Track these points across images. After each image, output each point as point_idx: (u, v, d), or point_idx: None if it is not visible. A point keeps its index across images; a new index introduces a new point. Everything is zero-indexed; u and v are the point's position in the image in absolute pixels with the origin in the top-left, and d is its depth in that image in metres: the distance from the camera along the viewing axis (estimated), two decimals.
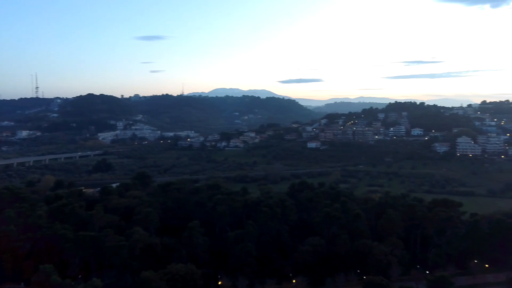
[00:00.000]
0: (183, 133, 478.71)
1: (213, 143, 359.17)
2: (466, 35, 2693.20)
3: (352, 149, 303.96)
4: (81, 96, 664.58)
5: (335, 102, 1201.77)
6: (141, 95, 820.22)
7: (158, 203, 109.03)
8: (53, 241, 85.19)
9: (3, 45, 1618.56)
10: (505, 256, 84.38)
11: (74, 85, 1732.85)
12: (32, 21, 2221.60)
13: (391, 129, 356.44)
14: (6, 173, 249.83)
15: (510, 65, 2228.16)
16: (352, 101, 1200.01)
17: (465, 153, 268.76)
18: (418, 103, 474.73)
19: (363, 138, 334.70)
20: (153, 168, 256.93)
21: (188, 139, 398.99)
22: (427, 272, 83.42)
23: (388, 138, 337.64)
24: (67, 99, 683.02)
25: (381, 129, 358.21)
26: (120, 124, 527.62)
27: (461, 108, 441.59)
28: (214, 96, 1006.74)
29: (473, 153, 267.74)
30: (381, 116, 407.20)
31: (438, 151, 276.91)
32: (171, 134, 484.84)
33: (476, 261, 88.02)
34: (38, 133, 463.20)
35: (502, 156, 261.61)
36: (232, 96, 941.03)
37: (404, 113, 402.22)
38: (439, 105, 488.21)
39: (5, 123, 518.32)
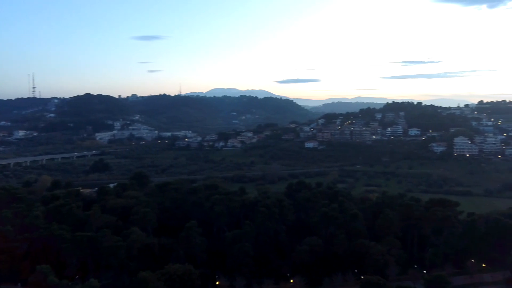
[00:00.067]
0: (180, 133, 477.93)
1: (210, 143, 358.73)
2: (463, 35, 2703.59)
3: (349, 149, 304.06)
4: (78, 96, 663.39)
5: (333, 102, 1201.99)
6: (138, 95, 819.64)
7: (155, 203, 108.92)
8: (50, 242, 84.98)
9: (0, 45, 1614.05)
10: (502, 255, 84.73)
11: (71, 85, 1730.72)
12: (29, 21, 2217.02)
13: (389, 129, 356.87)
14: (3, 173, 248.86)
15: (507, 65, 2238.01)
16: (349, 101, 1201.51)
17: (462, 153, 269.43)
18: (415, 103, 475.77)
19: (361, 138, 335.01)
20: (150, 168, 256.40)
21: (186, 139, 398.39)
22: (425, 271, 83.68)
23: (386, 138, 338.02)
24: (64, 99, 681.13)
25: (379, 129, 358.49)
26: (117, 124, 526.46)
27: (458, 108, 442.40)
28: (212, 96, 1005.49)
29: (470, 153, 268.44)
30: (378, 116, 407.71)
31: (435, 151, 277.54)
32: (168, 134, 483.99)
33: (473, 260, 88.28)
34: (35, 133, 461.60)
35: (499, 156, 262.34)
36: (229, 96, 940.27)
37: (402, 113, 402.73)
38: (436, 105, 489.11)
39: (2, 123, 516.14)
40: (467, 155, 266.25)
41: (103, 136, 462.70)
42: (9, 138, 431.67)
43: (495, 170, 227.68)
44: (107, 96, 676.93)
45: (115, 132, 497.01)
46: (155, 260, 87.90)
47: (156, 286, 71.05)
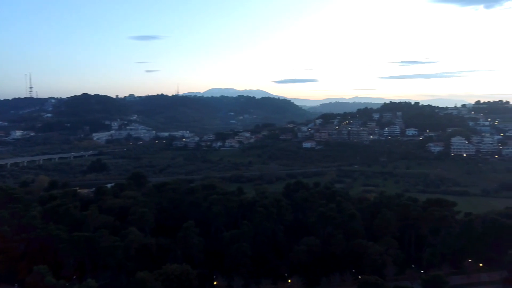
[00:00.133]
0: (178, 133, 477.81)
1: (208, 143, 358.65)
2: (460, 35, 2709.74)
3: (347, 149, 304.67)
4: (75, 96, 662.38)
5: (330, 102, 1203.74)
6: (136, 95, 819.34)
7: (153, 203, 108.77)
8: (47, 242, 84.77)
9: None
10: (499, 255, 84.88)
11: (68, 85, 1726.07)
12: (26, 21, 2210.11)
13: (386, 129, 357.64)
14: (0, 173, 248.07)
15: (504, 65, 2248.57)
16: (347, 101, 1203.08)
17: (459, 153, 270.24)
18: (412, 103, 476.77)
19: (358, 138, 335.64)
20: (148, 168, 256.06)
21: (183, 139, 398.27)
22: (422, 271, 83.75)
23: (383, 138, 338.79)
24: (61, 99, 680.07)
25: (376, 129, 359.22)
26: (114, 124, 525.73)
27: (455, 108, 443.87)
28: (209, 96, 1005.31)
29: (467, 153, 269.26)
30: (376, 116, 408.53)
31: (433, 151, 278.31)
32: (166, 134, 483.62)
33: (470, 260, 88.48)
34: (32, 133, 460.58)
35: (496, 156, 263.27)
36: (227, 96, 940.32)
37: (399, 113, 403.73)
38: (433, 105, 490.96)
39: None
40: (464, 155, 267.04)
41: (100, 136, 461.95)
42: (6, 138, 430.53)
43: (492, 170, 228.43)
44: (105, 96, 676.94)
45: (112, 132, 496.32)
46: (152, 260, 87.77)
47: (154, 286, 70.94)
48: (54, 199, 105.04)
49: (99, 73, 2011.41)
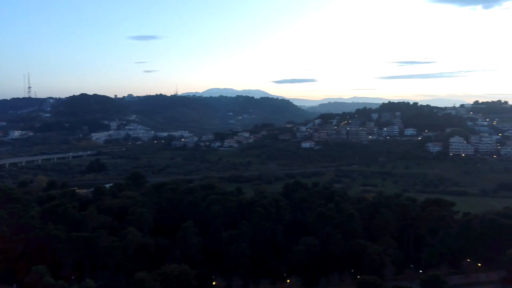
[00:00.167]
0: (177, 133, 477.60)
1: (207, 143, 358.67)
2: (458, 35, 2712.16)
3: (346, 149, 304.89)
4: (74, 96, 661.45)
5: (329, 102, 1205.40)
6: (134, 95, 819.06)
7: (152, 203, 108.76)
8: (46, 242, 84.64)
9: None
10: (497, 255, 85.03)
11: (67, 85, 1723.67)
12: (24, 21, 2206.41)
13: (385, 129, 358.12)
14: None
15: (502, 65, 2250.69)
16: (346, 101, 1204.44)
17: (457, 153, 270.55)
18: (411, 103, 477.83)
19: (357, 138, 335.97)
20: (147, 168, 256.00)
21: (182, 139, 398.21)
22: (421, 271, 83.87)
23: (382, 138, 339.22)
24: (60, 99, 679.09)
25: (375, 129, 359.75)
26: (113, 124, 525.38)
27: (453, 108, 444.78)
28: (208, 96, 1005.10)
29: (465, 153, 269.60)
30: (374, 116, 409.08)
31: (431, 151, 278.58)
32: (165, 134, 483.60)
33: (469, 260, 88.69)
34: (31, 133, 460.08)
35: (494, 156, 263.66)
36: (226, 96, 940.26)
37: (398, 113, 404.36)
38: (432, 105, 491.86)
39: None
40: (463, 155, 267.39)
41: (99, 136, 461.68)
42: (5, 138, 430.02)
43: (491, 170, 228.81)
44: (103, 96, 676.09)
45: (111, 132, 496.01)
46: (151, 260, 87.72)
47: (153, 286, 70.89)
48: (53, 199, 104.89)
49: (97, 73, 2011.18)
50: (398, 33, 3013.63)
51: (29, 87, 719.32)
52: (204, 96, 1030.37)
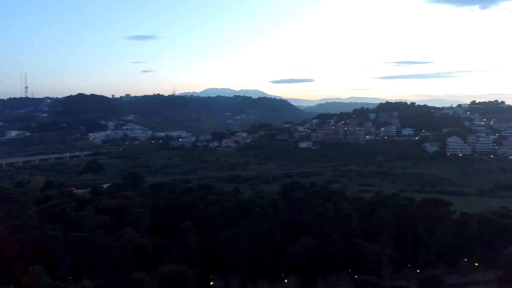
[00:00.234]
0: (174, 133, 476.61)
1: (204, 143, 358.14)
2: (455, 36, 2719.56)
3: (343, 149, 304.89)
4: (71, 96, 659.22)
5: (327, 102, 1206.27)
6: (132, 95, 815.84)
7: (149, 203, 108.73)
8: (43, 242, 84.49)
9: None
10: (494, 254, 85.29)
11: (64, 84, 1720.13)
12: (21, 21, 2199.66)
13: (382, 129, 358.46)
14: None
15: (499, 65, 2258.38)
16: (343, 101, 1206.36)
17: (455, 152, 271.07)
18: (408, 103, 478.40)
19: (354, 138, 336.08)
20: (144, 168, 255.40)
21: (180, 139, 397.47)
22: (418, 271, 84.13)
23: (379, 138, 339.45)
24: (57, 99, 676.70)
25: (372, 129, 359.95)
26: (111, 124, 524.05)
27: (451, 108, 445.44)
28: (206, 96, 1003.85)
29: (463, 153, 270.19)
30: (372, 116, 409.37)
31: (429, 150, 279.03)
32: (162, 134, 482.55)
33: (466, 259, 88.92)
34: (28, 133, 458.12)
35: (491, 156, 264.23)
36: (223, 96, 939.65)
37: (395, 113, 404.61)
38: (429, 105, 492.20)
39: None
40: (460, 155, 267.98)
41: (96, 136, 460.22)
42: (1, 138, 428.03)
43: (488, 169, 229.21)
44: (101, 96, 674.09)
45: (108, 132, 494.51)
46: (149, 260, 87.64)
47: (150, 286, 70.84)
48: (50, 199, 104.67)
49: (95, 73, 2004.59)
50: (396, 33, 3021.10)
51: (26, 87, 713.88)
52: (201, 96, 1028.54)
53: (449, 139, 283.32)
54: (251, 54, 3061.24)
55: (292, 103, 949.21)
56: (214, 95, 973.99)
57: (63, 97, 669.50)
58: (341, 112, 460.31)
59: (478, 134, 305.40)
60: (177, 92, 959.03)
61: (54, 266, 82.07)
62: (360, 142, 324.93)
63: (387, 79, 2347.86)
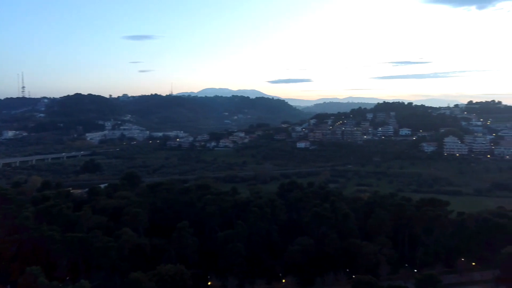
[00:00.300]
0: (172, 133, 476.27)
1: (202, 143, 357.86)
2: (453, 36, 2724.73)
3: (341, 149, 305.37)
4: (68, 95, 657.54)
5: (324, 102, 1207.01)
6: (129, 95, 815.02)
7: (147, 203, 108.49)
8: (40, 243, 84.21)
9: None
10: (491, 254, 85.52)
11: (61, 84, 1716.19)
12: (19, 20, 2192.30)
13: (380, 129, 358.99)
14: None
15: (496, 65, 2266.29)
16: (341, 101, 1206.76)
17: (452, 152, 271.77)
18: (406, 103, 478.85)
19: (352, 138, 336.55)
20: (142, 168, 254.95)
21: (177, 139, 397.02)
22: (415, 270, 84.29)
23: (377, 138, 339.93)
24: (54, 99, 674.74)
25: (370, 129, 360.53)
26: (108, 124, 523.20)
27: (448, 108, 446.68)
28: (204, 96, 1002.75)
29: (460, 153, 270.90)
30: (369, 116, 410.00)
31: (426, 150, 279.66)
32: (160, 134, 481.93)
33: (463, 259, 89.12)
34: (25, 133, 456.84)
35: (488, 156, 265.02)
36: (221, 96, 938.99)
37: (392, 113, 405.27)
38: (426, 105, 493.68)
39: None
40: (457, 154, 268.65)
41: (93, 136, 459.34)
42: None
43: (485, 169, 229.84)
44: (98, 96, 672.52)
45: (106, 132, 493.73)
46: (146, 260, 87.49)
47: (148, 286, 70.73)
48: (47, 199, 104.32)
49: (92, 73, 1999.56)
50: (393, 33, 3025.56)
51: (23, 87, 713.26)
52: (199, 96, 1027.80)
53: (446, 139, 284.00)
54: (249, 54, 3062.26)
55: (290, 103, 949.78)
56: (212, 95, 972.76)
57: (60, 97, 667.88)
58: (338, 112, 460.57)
59: (475, 134, 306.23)
60: (175, 92, 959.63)
61: (51, 266, 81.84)
62: (357, 142, 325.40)
63: (384, 79, 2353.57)
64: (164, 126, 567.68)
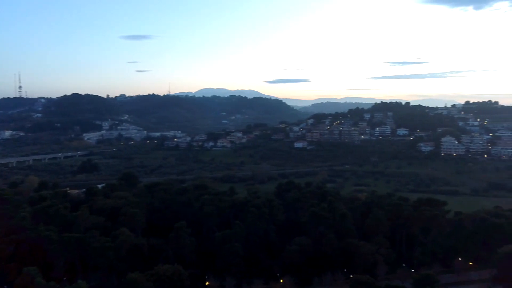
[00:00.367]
0: (169, 133, 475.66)
1: (200, 143, 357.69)
2: (450, 36, 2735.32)
3: (338, 149, 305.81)
4: (65, 95, 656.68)
5: (322, 102, 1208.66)
6: (127, 95, 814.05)
7: (144, 203, 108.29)
8: (37, 243, 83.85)
9: None
10: (488, 253, 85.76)
11: (58, 84, 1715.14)
12: (16, 20, 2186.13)
13: (377, 129, 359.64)
14: None
15: (493, 66, 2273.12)
16: (338, 101, 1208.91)
17: (449, 152, 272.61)
18: (403, 103, 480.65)
19: (349, 138, 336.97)
20: (139, 168, 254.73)
21: (175, 139, 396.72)
22: (413, 270, 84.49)
23: (374, 138, 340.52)
24: (51, 98, 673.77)
25: (367, 129, 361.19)
26: (105, 124, 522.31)
27: (445, 108, 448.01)
28: (201, 96, 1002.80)
29: (457, 153, 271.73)
30: (367, 116, 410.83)
31: (423, 150, 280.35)
32: (157, 134, 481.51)
33: (460, 259, 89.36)
34: (22, 134, 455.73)
35: (485, 156, 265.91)
36: (219, 96, 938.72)
37: (390, 113, 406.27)
38: (423, 105, 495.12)
39: None
40: (454, 154, 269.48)
41: (91, 137, 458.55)
42: None
43: (482, 169, 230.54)
44: (95, 96, 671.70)
45: (103, 132, 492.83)
46: (144, 260, 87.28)
47: (145, 287, 70.56)
48: (44, 199, 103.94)
49: (89, 73, 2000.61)
50: (390, 33, 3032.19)
51: (20, 87, 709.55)
52: (197, 96, 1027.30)
53: (443, 139, 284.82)
54: (246, 54, 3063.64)
55: (288, 103, 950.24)
56: (209, 95, 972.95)
57: (57, 97, 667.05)
58: (336, 112, 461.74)
59: (472, 134, 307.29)
60: (172, 92, 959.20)
61: (48, 266, 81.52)
62: (355, 142, 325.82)
63: (382, 79, 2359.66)
64: (161, 126, 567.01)
